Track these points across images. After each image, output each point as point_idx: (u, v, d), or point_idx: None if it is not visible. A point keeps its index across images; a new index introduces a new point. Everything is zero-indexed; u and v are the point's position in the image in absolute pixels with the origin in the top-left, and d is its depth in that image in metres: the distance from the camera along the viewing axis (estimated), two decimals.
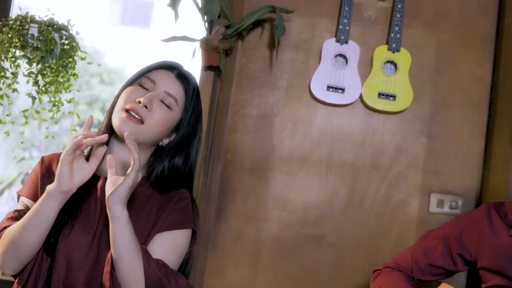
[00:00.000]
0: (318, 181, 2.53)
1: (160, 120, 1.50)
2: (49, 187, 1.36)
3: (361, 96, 2.48)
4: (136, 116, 1.47)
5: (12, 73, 2.33)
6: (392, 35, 2.48)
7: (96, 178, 1.51)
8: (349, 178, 2.53)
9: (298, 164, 2.54)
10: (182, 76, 1.56)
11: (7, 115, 2.38)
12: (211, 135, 2.55)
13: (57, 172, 1.36)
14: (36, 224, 1.36)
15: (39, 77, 2.35)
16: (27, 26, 2.32)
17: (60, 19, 2.43)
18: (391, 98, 2.45)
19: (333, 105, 2.52)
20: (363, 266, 2.52)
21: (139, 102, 1.47)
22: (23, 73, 2.35)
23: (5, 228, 1.44)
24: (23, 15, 2.37)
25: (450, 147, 2.52)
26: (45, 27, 2.33)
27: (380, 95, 2.46)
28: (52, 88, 2.39)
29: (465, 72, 2.54)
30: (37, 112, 2.38)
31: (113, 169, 1.39)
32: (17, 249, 1.38)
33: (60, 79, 2.40)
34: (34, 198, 1.49)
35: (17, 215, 1.47)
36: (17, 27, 2.32)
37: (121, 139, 1.49)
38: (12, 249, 1.38)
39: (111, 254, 1.36)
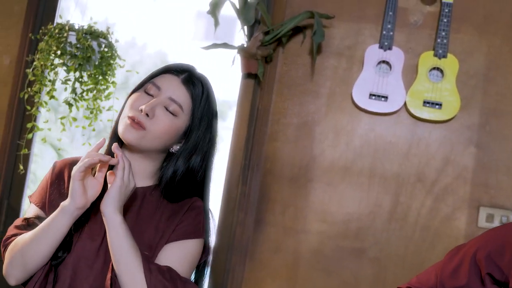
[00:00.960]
0: (360, 192, 2.62)
1: (163, 128, 1.54)
2: (64, 204, 1.45)
3: (405, 104, 2.57)
4: (138, 125, 1.52)
5: (50, 81, 2.53)
6: (438, 40, 2.55)
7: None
8: (393, 190, 2.61)
9: (339, 175, 2.64)
10: (189, 81, 1.59)
11: (44, 122, 2.58)
12: (251, 143, 2.68)
13: (70, 189, 1.45)
14: (47, 237, 1.46)
15: (77, 84, 2.54)
16: (65, 34, 2.51)
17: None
18: (437, 106, 2.53)
19: (376, 114, 2.61)
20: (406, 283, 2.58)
21: (141, 110, 1.53)
22: (61, 80, 2.55)
23: (13, 236, 1.55)
24: (63, 23, 2.57)
25: (501, 159, 2.57)
26: (83, 34, 2.52)
27: (426, 103, 2.53)
28: (90, 95, 2.57)
29: None
30: (74, 119, 2.57)
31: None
32: (25, 260, 1.47)
33: (99, 87, 2.58)
34: (42, 205, 1.59)
35: (25, 224, 1.56)
36: (56, 35, 2.51)
37: (130, 148, 1.57)
38: (21, 260, 1.47)
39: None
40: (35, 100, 2.56)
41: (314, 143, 2.67)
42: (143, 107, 1.52)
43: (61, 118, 2.56)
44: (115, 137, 1.60)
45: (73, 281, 1.50)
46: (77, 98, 2.54)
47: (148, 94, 1.57)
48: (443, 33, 2.55)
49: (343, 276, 2.61)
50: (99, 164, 1.48)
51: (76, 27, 2.55)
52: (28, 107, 2.61)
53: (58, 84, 2.55)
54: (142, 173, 1.60)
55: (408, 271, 2.58)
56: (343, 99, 2.66)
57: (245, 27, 2.62)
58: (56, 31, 2.53)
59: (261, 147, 2.69)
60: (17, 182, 2.79)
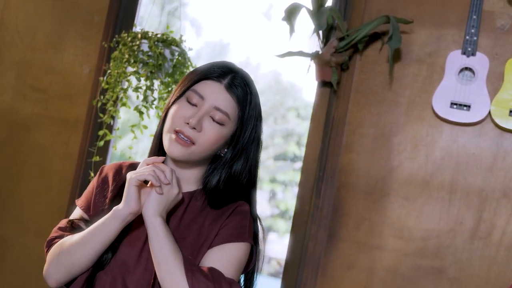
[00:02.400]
0: (440, 207, 2.74)
1: (211, 139, 1.64)
2: (117, 208, 1.59)
3: (490, 114, 2.67)
4: (185, 139, 1.62)
5: (122, 89, 2.84)
6: None
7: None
8: (476, 206, 2.71)
9: (418, 189, 2.77)
10: (232, 85, 1.66)
11: (115, 130, 2.90)
12: (325, 154, 2.87)
13: (125, 194, 1.58)
14: (96, 241, 1.59)
15: (148, 92, 2.83)
16: (138, 42, 2.82)
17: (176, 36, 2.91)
18: None
19: (458, 124, 2.73)
20: None
21: (188, 124, 1.61)
22: (133, 88, 2.85)
23: (57, 237, 1.69)
24: (136, 31, 2.89)
25: None
26: (155, 42, 2.81)
27: None
28: (162, 104, 2.86)
29: None
30: (145, 127, 2.86)
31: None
32: (71, 262, 1.61)
33: (166, 94, 2.86)
34: (86, 209, 1.74)
35: (70, 226, 1.71)
36: (129, 44, 2.83)
37: (173, 160, 1.70)
38: (65, 262, 1.61)
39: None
40: (108, 108, 2.88)
41: (392, 154, 2.82)
42: (190, 120, 1.61)
43: (132, 126, 2.85)
44: (157, 149, 1.72)
45: (112, 286, 1.62)
46: (148, 106, 2.82)
47: (191, 104, 1.65)
48: None
49: None
50: None
51: (150, 35, 2.85)
52: (101, 115, 2.94)
53: (130, 92, 2.86)
54: (187, 179, 1.74)
55: None
56: (423, 109, 2.80)
57: (320, 34, 2.83)
58: (129, 39, 2.84)
59: (336, 159, 2.87)
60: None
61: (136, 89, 2.82)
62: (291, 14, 2.85)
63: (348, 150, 2.88)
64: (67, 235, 1.68)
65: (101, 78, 2.92)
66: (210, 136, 1.64)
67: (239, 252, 1.67)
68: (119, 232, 1.62)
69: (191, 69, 2.92)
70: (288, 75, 3.04)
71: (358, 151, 2.86)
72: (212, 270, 1.59)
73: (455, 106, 2.70)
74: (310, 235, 2.87)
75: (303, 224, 2.90)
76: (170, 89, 2.86)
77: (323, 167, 2.88)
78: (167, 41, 2.85)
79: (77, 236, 1.62)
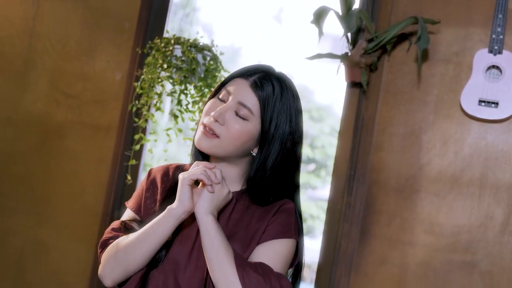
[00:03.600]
0: (470, 203, 2.85)
1: (234, 134, 1.73)
2: (171, 207, 1.69)
3: None
4: (210, 132, 1.73)
5: (156, 93, 2.97)
6: None
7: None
8: (506, 201, 2.82)
9: (448, 185, 2.88)
10: (257, 83, 1.75)
11: (151, 133, 3.02)
12: (356, 154, 2.99)
13: (179, 193, 1.69)
14: (152, 239, 1.69)
15: (182, 97, 2.96)
16: (171, 47, 2.95)
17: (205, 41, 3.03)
18: None
19: (486, 121, 2.84)
20: None
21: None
22: (167, 93, 2.98)
23: (111, 238, 1.78)
24: (169, 37, 3.01)
25: None
26: (187, 47, 2.94)
27: None
28: (196, 107, 2.98)
29: None
30: (180, 130, 2.99)
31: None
32: (128, 261, 1.71)
33: (205, 99, 2.99)
34: (137, 210, 1.85)
35: (123, 226, 1.81)
36: (162, 49, 2.95)
37: (214, 158, 1.81)
38: (122, 261, 1.71)
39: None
40: (143, 113, 3.00)
41: (421, 152, 2.93)
42: (212, 113, 1.73)
43: (167, 130, 2.98)
44: (197, 151, 1.84)
45: (165, 284, 1.72)
46: (182, 110, 2.95)
47: (221, 100, 1.77)
48: None
49: None
50: None
51: (182, 40, 2.97)
52: (136, 119, 3.07)
53: (164, 97, 2.98)
54: (230, 179, 1.83)
55: None
56: (451, 107, 2.91)
57: (349, 36, 2.95)
58: (162, 45, 2.96)
59: (367, 157, 2.98)
60: (127, 193, 3.25)
61: (171, 93, 2.94)
62: (319, 17, 2.97)
63: (378, 149, 2.99)
64: (121, 236, 1.77)
65: (135, 84, 3.05)
66: (233, 130, 1.72)
67: (286, 248, 1.76)
68: (173, 231, 1.72)
69: (222, 73, 3.04)
70: (300, 78, 3.14)
71: (388, 149, 2.98)
72: (261, 265, 1.69)
73: (483, 104, 2.81)
74: (342, 233, 2.98)
75: (335, 222, 3.01)
76: (202, 93, 2.98)
77: (354, 166, 3.00)
78: (199, 46, 2.97)
79: (132, 236, 1.73)
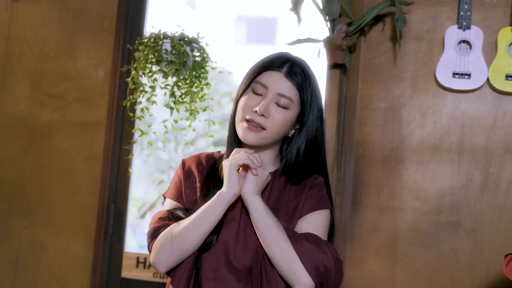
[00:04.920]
0: (450, 168, 3.15)
1: (279, 123, 1.92)
2: (221, 191, 1.86)
3: (488, 80, 3.09)
4: (256, 126, 1.90)
5: (151, 87, 3.12)
6: None
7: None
8: (482, 163, 3.13)
9: (429, 153, 3.17)
10: (291, 72, 1.93)
11: (149, 126, 3.17)
12: (342, 130, 3.23)
13: (227, 179, 1.86)
14: (205, 223, 1.85)
15: (175, 89, 3.12)
16: (160, 42, 3.10)
17: (190, 34, 3.20)
18: None
19: (460, 92, 3.14)
20: (503, 251, 3.07)
21: (256, 112, 1.90)
22: (160, 86, 3.13)
23: (160, 227, 1.92)
24: (156, 32, 3.16)
25: None
26: (177, 41, 3.10)
27: (508, 77, 3.05)
28: (188, 98, 3.14)
29: None
30: (176, 121, 3.15)
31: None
32: (182, 246, 1.86)
33: (194, 89, 3.16)
34: (179, 199, 2.00)
35: (170, 215, 1.95)
36: (152, 44, 3.10)
37: (247, 144, 1.96)
38: (177, 247, 1.86)
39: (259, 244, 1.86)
40: (137, 107, 3.15)
41: (402, 125, 3.21)
42: (257, 108, 1.89)
43: (164, 122, 3.13)
44: (234, 141, 2.01)
45: (218, 265, 1.89)
46: (176, 101, 3.11)
47: (257, 94, 1.93)
48: None
49: (441, 249, 3.13)
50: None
51: (169, 34, 3.12)
52: (131, 114, 3.21)
53: (157, 90, 3.13)
54: (264, 162, 2.00)
55: (504, 239, 3.09)
56: (427, 81, 3.20)
57: (328, 21, 3.18)
58: (152, 40, 3.11)
59: (352, 133, 3.23)
60: (122, 186, 3.38)
61: (165, 86, 3.10)
62: (297, 4, 3.19)
63: (362, 125, 3.24)
64: (171, 224, 1.92)
65: (128, 79, 3.18)
66: (277, 120, 1.92)
67: (324, 217, 1.99)
68: (223, 214, 1.90)
69: (210, 63, 3.21)
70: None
71: (371, 124, 3.23)
72: (309, 234, 1.90)
73: (457, 76, 3.11)
74: (335, 205, 3.22)
75: None
76: (192, 84, 3.14)
77: (341, 143, 3.24)
78: (188, 39, 3.13)
79: (185, 222, 1.88)
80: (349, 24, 3.15)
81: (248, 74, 2.00)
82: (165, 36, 3.11)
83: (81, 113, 3.41)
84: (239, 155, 1.90)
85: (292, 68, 1.94)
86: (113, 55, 3.40)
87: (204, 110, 3.21)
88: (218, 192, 1.89)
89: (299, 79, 1.94)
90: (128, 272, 3.38)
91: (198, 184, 2.03)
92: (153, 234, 1.94)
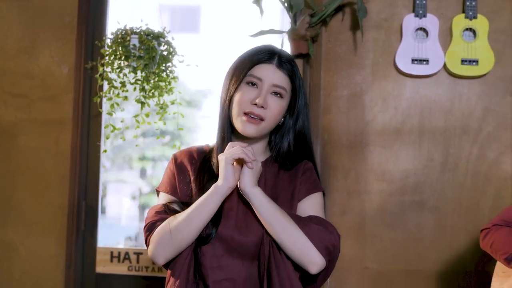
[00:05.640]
0: (412, 149, 3.32)
1: (276, 112, 2.05)
2: (217, 184, 1.94)
3: (444, 65, 3.27)
4: (255, 118, 2.01)
5: (121, 83, 3.16)
6: (468, 3, 3.26)
7: None
8: (442, 144, 3.31)
9: (392, 137, 3.33)
10: (281, 63, 2.05)
11: (121, 121, 3.21)
12: None
13: (223, 172, 1.93)
14: (202, 216, 1.93)
15: (145, 84, 3.17)
16: (128, 38, 3.14)
17: (154, 28, 3.25)
18: (474, 63, 3.23)
19: (419, 77, 3.31)
20: (464, 227, 3.29)
21: (255, 104, 2.00)
22: (130, 82, 3.18)
23: (157, 221, 1.99)
24: (122, 28, 3.20)
25: None
26: (145, 36, 3.15)
27: (463, 61, 3.24)
28: (157, 92, 3.20)
29: None
30: (147, 115, 3.20)
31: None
32: (181, 238, 1.93)
33: (162, 83, 3.22)
34: (173, 192, 2.08)
35: (166, 209, 2.02)
36: (119, 40, 3.14)
37: (240, 136, 2.07)
38: (174, 239, 1.93)
39: (265, 231, 1.96)
40: (108, 103, 3.18)
41: (365, 110, 3.35)
42: (256, 101, 2.00)
43: (135, 116, 3.19)
44: (227, 135, 2.09)
45: (220, 255, 1.98)
46: (147, 96, 3.16)
47: (252, 85, 2.03)
48: None
49: (408, 228, 3.31)
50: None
51: (137, 30, 3.17)
52: (101, 110, 3.24)
53: (127, 85, 3.18)
54: (256, 151, 2.11)
55: (465, 216, 3.29)
56: (387, 67, 3.35)
57: (290, 13, 3.29)
58: (120, 36, 3.15)
59: (317, 121, 3.36)
60: (92, 183, 3.42)
61: (136, 81, 3.14)
62: None
63: (326, 112, 3.37)
64: (168, 217, 2.00)
65: (97, 76, 3.21)
66: (274, 110, 2.05)
67: (320, 199, 2.15)
68: (219, 206, 1.98)
69: (177, 57, 3.27)
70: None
71: (335, 111, 3.37)
72: (313, 217, 2.03)
73: (416, 62, 3.27)
74: None
75: None
76: (160, 78, 3.20)
77: None
78: (155, 34, 3.18)
79: (182, 216, 1.96)
80: (312, 15, 3.26)
81: (236, 69, 2.09)
82: (133, 32, 3.16)
83: (46, 111, 3.41)
84: (234, 150, 1.97)
85: (281, 59, 2.07)
86: (76, 52, 3.41)
87: (173, 103, 3.28)
88: (213, 185, 1.97)
89: (290, 69, 2.08)
90: (103, 267, 3.42)
91: (191, 178, 2.10)
92: (150, 228, 2.01)
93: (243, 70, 2.05)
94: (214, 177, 2.04)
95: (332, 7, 3.23)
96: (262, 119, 2.02)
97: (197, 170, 2.12)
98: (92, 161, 3.44)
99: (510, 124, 3.31)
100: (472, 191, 3.31)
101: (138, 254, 3.43)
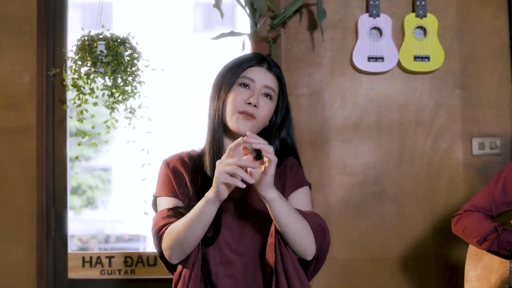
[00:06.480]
0: (371, 143, 3.51)
1: (267, 112, 2.14)
2: (208, 195, 1.93)
3: (398, 62, 3.47)
4: (249, 115, 2.09)
5: (90, 89, 3.21)
6: (417, 3, 3.47)
7: None
8: (398, 137, 3.52)
9: (351, 132, 3.51)
10: (271, 66, 2.17)
11: (92, 127, 3.26)
12: None
13: (217, 187, 1.90)
14: (199, 224, 1.97)
15: (113, 89, 3.23)
16: (95, 44, 3.19)
17: (119, 33, 3.31)
18: (426, 59, 3.45)
19: (375, 74, 3.50)
20: (422, 214, 3.51)
21: (249, 103, 2.09)
22: (97, 88, 3.22)
23: (164, 225, 2.04)
24: (87, 35, 3.24)
25: (482, 96, 3.55)
26: (112, 42, 3.21)
27: (416, 58, 3.45)
28: (125, 97, 3.26)
29: (485, 27, 3.57)
30: (116, 120, 3.26)
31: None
32: (183, 245, 2.00)
33: (128, 88, 3.28)
34: (174, 195, 2.14)
35: (172, 213, 2.07)
36: (86, 47, 3.18)
37: (232, 136, 2.13)
38: (179, 245, 2.00)
39: (275, 228, 1.99)
40: (78, 109, 3.22)
41: (325, 108, 3.52)
42: (250, 100, 2.09)
43: (105, 122, 3.24)
44: (219, 135, 2.14)
45: (222, 251, 2.06)
46: (116, 101, 3.22)
47: (245, 86, 2.13)
48: None
49: (370, 218, 3.49)
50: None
51: (102, 36, 3.22)
52: (71, 117, 3.28)
53: (96, 91, 3.22)
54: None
55: (422, 203, 3.50)
56: (344, 66, 3.52)
57: (252, 16, 3.41)
58: (86, 42, 3.19)
59: None
60: (60, 189, 3.45)
61: (105, 87, 3.19)
62: (219, 0, 3.40)
63: None
64: (174, 220, 2.05)
65: (65, 83, 3.24)
66: (265, 109, 2.14)
67: (307, 192, 2.27)
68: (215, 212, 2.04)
69: (141, 60, 3.33)
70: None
71: (297, 109, 3.51)
72: (312, 212, 2.14)
73: (372, 60, 3.46)
74: None
75: None
76: (126, 83, 3.26)
77: None
78: (120, 40, 3.24)
79: (181, 223, 2.00)
80: (273, 18, 3.39)
81: (227, 74, 2.18)
82: (99, 38, 3.20)
83: (9, 120, 3.40)
84: (228, 170, 1.92)
85: (270, 63, 2.19)
86: (38, 59, 3.41)
87: (139, 107, 3.33)
88: (207, 196, 1.97)
89: (278, 72, 2.20)
90: (75, 272, 3.45)
91: (187, 181, 2.18)
92: (158, 231, 2.07)
93: (236, 73, 2.15)
94: (208, 180, 2.10)
95: (293, 9, 3.37)
96: (254, 117, 2.12)
97: (191, 173, 2.20)
98: (59, 168, 3.47)
99: (460, 116, 3.54)
100: (428, 180, 3.53)
101: (110, 257, 3.49)
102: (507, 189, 2.64)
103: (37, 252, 3.37)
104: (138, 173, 3.35)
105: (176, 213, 2.09)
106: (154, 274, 3.50)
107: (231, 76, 2.16)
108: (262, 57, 2.20)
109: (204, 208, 1.97)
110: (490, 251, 2.57)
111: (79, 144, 3.24)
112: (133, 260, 3.49)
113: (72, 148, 3.58)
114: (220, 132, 2.17)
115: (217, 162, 1.94)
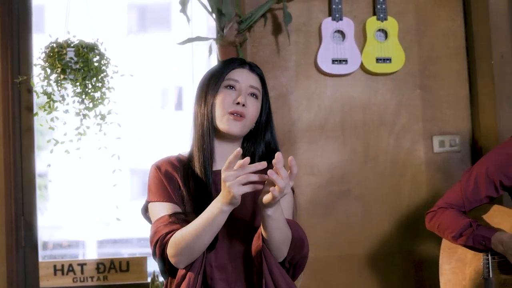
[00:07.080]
0: (337, 143, 3.61)
1: (254, 111, 2.20)
2: (222, 207, 1.92)
3: (361, 64, 3.57)
4: (238, 115, 2.14)
5: (61, 96, 3.21)
6: (378, 6, 3.59)
7: (215, 173, 2.16)
8: (362, 136, 3.63)
9: (317, 133, 3.60)
10: (253, 68, 2.25)
11: (64, 135, 3.26)
12: None
13: (231, 200, 1.88)
14: (210, 232, 1.99)
15: (84, 96, 3.23)
16: (64, 51, 3.20)
17: (86, 39, 3.32)
18: (388, 61, 3.57)
19: (339, 76, 3.60)
20: (387, 211, 3.63)
21: (238, 103, 2.14)
22: (67, 94, 3.23)
23: (169, 233, 2.05)
24: (55, 42, 3.24)
25: (441, 95, 3.69)
26: (82, 48, 3.21)
27: (378, 60, 3.56)
28: (96, 103, 3.27)
29: (442, 29, 3.71)
30: (88, 127, 3.27)
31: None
32: (192, 252, 2.03)
33: (97, 94, 3.29)
34: (170, 200, 2.14)
35: (174, 219, 2.09)
36: (55, 54, 3.18)
37: (221, 138, 2.20)
38: (188, 252, 2.02)
39: (261, 231, 2.02)
40: (48, 116, 3.21)
41: (292, 110, 3.60)
42: (238, 100, 2.14)
43: (77, 128, 3.24)
44: (210, 137, 2.18)
45: (216, 254, 2.11)
46: (87, 107, 3.23)
47: (231, 88, 2.18)
48: (381, 0, 3.58)
49: (337, 216, 3.60)
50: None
51: (71, 43, 3.22)
52: (41, 124, 3.26)
53: (65, 98, 3.23)
54: (231, 153, 2.11)
55: (387, 201, 3.63)
56: (308, 69, 3.62)
57: (219, 21, 3.46)
58: (56, 49, 3.19)
59: None
60: (29, 198, 3.43)
61: (76, 94, 3.20)
62: (184, 4, 3.44)
63: None
64: (178, 227, 2.07)
65: (35, 90, 3.23)
66: (252, 108, 2.20)
67: (291, 197, 2.34)
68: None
69: (110, 66, 3.33)
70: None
71: None
72: (293, 221, 2.23)
73: (336, 62, 3.56)
74: None
75: None
76: (95, 89, 3.27)
77: None
78: (90, 46, 3.25)
79: (191, 230, 2.01)
80: (240, 23, 3.45)
81: (212, 78, 2.22)
82: (68, 45, 3.20)
83: None
84: (241, 178, 1.91)
85: (251, 64, 2.28)
86: (2, 66, 3.39)
87: (109, 113, 3.34)
88: (220, 208, 1.96)
89: (260, 72, 2.28)
90: (47, 281, 3.44)
91: (181, 185, 2.19)
92: (162, 239, 2.08)
93: (221, 76, 2.21)
94: (202, 185, 2.15)
95: (259, 14, 3.44)
96: (243, 117, 2.17)
97: (182, 177, 2.21)
98: (27, 176, 3.45)
99: (420, 115, 3.68)
100: (392, 178, 3.65)
101: (82, 265, 3.48)
102: (478, 186, 2.76)
103: (6, 262, 3.34)
104: (109, 179, 3.36)
105: (179, 219, 2.11)
106: (127, 280, 3.51)
107: (216, 81, 2.21)
108: (243, 60, 2.28)
109: (217, 218, 1.97)
110: (466, 246, 2.70)
111: (51, 152, 3.23)
112: (106, 266, 3.50)
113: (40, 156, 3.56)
114: (211, 136, 2.20)
115: (224, 177, 1.89)
